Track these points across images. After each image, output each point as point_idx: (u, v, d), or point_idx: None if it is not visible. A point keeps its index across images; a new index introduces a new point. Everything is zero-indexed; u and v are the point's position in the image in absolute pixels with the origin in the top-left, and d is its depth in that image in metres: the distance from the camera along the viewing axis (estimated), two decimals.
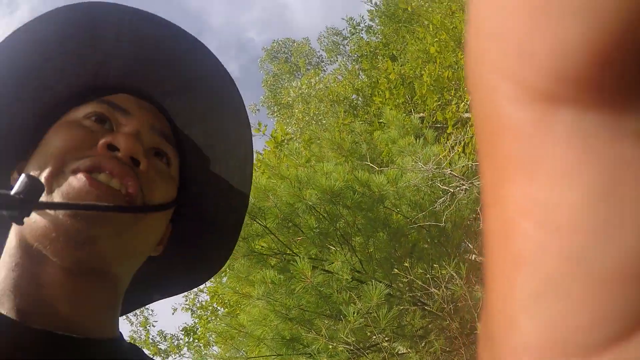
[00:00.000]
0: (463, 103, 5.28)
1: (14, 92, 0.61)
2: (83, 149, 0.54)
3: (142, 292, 0.66)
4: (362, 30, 11.80)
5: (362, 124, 5.96)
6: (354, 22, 11.81)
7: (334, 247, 3.71)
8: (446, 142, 5.21)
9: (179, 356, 8.23)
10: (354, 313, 2.92)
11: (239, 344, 3.78)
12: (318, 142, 5.95)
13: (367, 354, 3.09)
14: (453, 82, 5.07)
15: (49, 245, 0.49)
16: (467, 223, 4.50)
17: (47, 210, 0.50)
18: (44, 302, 0.50)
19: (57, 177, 0.52)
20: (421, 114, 6.52)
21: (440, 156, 4.62)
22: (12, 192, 0.43)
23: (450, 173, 3.66)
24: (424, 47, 5.23)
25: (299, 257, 3.56)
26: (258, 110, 13.04)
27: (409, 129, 5.78)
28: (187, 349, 8.17)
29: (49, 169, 0.52)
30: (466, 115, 5.82)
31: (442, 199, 3.59)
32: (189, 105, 0.66)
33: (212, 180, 0.68)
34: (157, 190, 0.58)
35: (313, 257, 3.68)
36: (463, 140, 5.34)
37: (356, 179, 3.95)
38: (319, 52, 13.16)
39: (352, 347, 2.92)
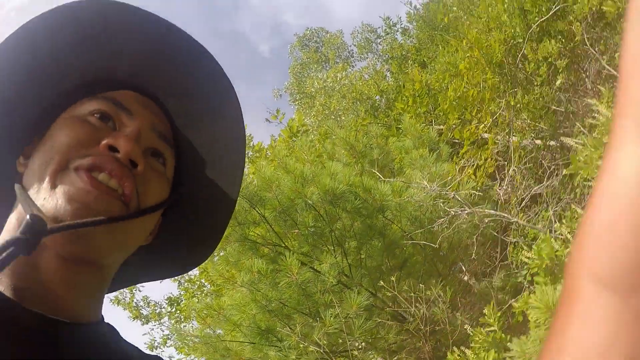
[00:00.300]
0: (483, 125, 5.21)
1: (23, 81, 0.64)
2: (86, 147, 0.58)
3: (129, 275, 0.71)
4: (397, 31, 11.66)
5: (379, 127, 5.91)
6: (391, 21, 11.68)
7: (326, 247, 3.71)
8: (459, 162, 5.14)
9: (159, 324, 8.33)
10: (331, 317, 2.93)
11: (216, 324, 3.83)
12: (333, 138, 5.92)
13: (336, 359, 3.10)
14: (477, 102, 5.00)
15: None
16: (463, 246, 4.47)
17: (48, 207, 0.54)
18: (39, 284, 0.54)
19: (61, 173, 0.56)
20: (441, 127, 6.45)
21: (450, 176, 4.58)
22: (18, 232, 0.49)
23: (454, 196, 3.62)
24: (454, 61, 5.16)
25: (290, 251, 3.57)
26: (280, 96, 13.03)
27: (425, 141, 5.73)
28: (168, 318, 8.26)
29: (54, 165, 0.56)
30: (485, 135, 5.71)
31: (442, 219, 3.56)
32: (190, 108, 0.69)
33: (203, 182, 0.72)
34: (151, 191, 0.62)
35: (304, 254, 3.69)
36: (475, 162, 5.26)
37: (361, 184, 3.93)
38: (350, 46, 13.10)
39: (321, 350, 2.93)
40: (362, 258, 3.90)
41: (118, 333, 0.63)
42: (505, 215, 3.77)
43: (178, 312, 7.88)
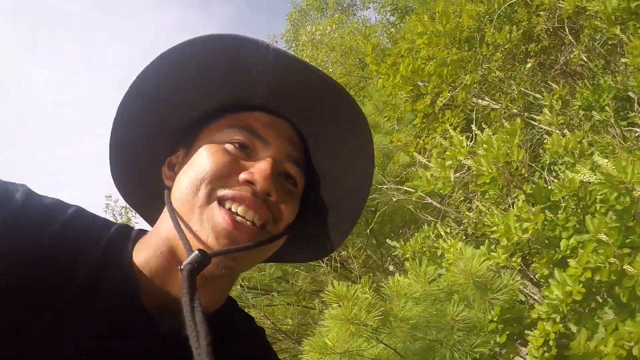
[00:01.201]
0: (440, 99, 5.40)
1: (167, 101, 0.73)
2: (227, 176, 0.67)
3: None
4: None
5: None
6: None
7: None
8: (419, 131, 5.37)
9: None
10: None
11: None
12: None
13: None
14: (434, 77, 5.18)
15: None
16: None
17: (201, 239, 0.64)
18: (167, 291, 0.65)
19: (207, 207, 0.65)
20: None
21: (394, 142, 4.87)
22: (188, 262, 0.59)
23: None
24: (417, 33, 5.26)
25: None
26: (276, 42, 12.88)
27: (391, 106, 5.95)
28: None
29: (201, 198, 0.66)
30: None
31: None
32: (321, 133, 0.74)
33: (329, 196, 0.80)
34: (285, 214, 0.70)
35: None
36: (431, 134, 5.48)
37: None
38: None
39: None
40: None
41: (234, 305, 0.77)
42: (424, 196, 4.12)
43: None
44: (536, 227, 2.77)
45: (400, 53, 5.29)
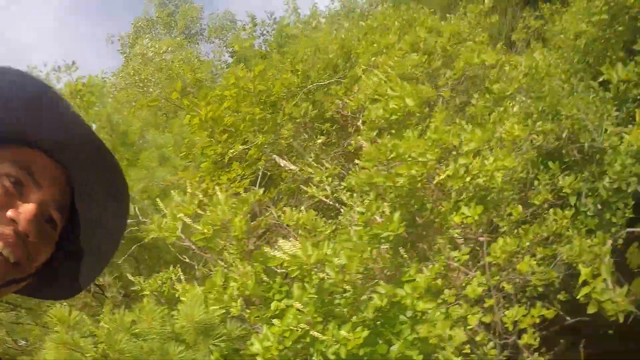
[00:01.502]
0: (231, 150, 5.79)
1: None
2: None
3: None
4: (255, 32, 11.89)
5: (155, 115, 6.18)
6: (255, 20, 11.84)
7: None
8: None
9: None
10: None
11: None
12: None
13: None
14: (232, 128, 5.58)
15: None
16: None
17: None
18: None
19: None
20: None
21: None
22: None
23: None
24: (229, 85, 5.66)
25: None
26: (112, 42, 12.23)
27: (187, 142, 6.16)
28: None
29: None
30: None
31: None
32: (90, 188, 0.83)
33: (77, 247, 0.87)
34: (40, 255, 0.77)
35: None
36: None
37: None
38: (204, 24, 12.94)
39: None
40: None
41: None
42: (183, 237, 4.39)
43: None
44: (244, 288, 3.19)
45: (209, 97, 5.60)
